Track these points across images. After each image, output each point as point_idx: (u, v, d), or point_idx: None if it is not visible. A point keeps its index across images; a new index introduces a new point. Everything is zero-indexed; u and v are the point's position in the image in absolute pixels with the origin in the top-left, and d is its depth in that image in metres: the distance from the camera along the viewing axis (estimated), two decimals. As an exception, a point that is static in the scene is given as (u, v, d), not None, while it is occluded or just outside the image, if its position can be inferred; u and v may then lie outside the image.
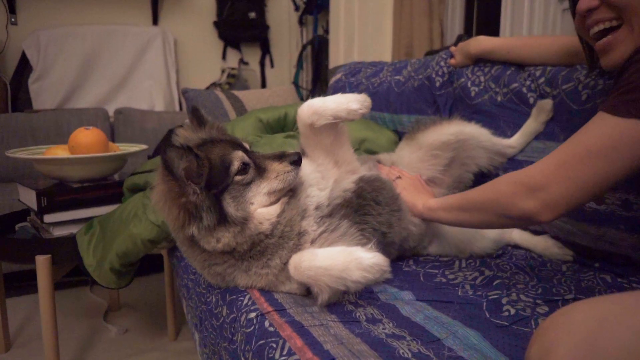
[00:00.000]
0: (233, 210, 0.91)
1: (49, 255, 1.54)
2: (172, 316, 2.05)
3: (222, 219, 0.90)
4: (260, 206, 0.94)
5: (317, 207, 1.00)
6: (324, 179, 1.06)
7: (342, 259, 0.83)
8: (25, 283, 2.40)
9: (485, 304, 0.97)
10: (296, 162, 0.95)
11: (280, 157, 0.97)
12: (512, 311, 0.92)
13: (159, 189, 0.92)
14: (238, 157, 0.93)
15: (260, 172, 0.95)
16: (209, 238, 0.91)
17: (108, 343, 2.01)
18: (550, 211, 0.86)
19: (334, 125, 1.03)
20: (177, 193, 0.89)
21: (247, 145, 1.00)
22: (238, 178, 0.92)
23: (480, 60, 1.56)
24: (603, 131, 0.82)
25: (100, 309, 2.28)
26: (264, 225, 0.93)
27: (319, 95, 1.04)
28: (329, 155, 1.08)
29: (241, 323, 0.90)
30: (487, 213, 0.97)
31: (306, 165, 1.05)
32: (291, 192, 0.99)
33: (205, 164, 0.89)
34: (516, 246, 1.32)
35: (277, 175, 0.95)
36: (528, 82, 1.39)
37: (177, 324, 2.09)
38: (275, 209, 0.95)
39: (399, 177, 1.27)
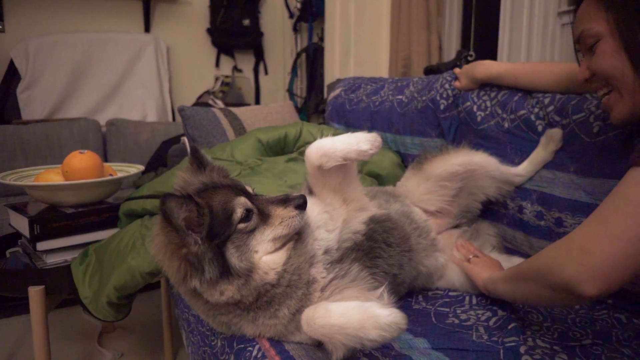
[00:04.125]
0: (237, 260, 0.86)
1: (43, 287, 1.48)
2: (169, 340, 2.00)
3: (225, 271, 0.86)
4: (265, 253, 0.90)
5: (326, 252, 0.96)
6: (332, 219, 1.01)
7: (358, 316, 0.79)
8: (15, 303, 2.33)
9: (502, 352, 0.94)
10: (301, 206, 0.91)
11: (284, 201, 0.92)
12: (531, 362, 0.90)
13: (158, 241, 0.87)
14: (241, 204, 0.88)
15: (264, 218, 0.91)
16: (212, 291, 0.86)
17: (103, 369, 1.96)
18: (594, 280, 0.75)
19: (343, 165, 0.99)
20: (177, 244, 0.85)
21: (249, 189, 0.96)
22: (241, 226, 0.88)
23: (486, 84, 1.53)
24: None
25: (93, 330, 2.22)
26: (270, 276, 0.89)
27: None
28: (337, 193, 1.04)
29: (250, 378, 0.86)
30: (534, 283, 0.89)
31: (313, 206, 1.00)
32: (297, 235, 0.94)
33: (206, 213, 0.85)
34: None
35: (282, 221, 0.90)
36: (536, 110, 1.36)
37: (174, 347, 2.04)
38: (280, 257, 0.91)
39: (476, 256, 1.22)
